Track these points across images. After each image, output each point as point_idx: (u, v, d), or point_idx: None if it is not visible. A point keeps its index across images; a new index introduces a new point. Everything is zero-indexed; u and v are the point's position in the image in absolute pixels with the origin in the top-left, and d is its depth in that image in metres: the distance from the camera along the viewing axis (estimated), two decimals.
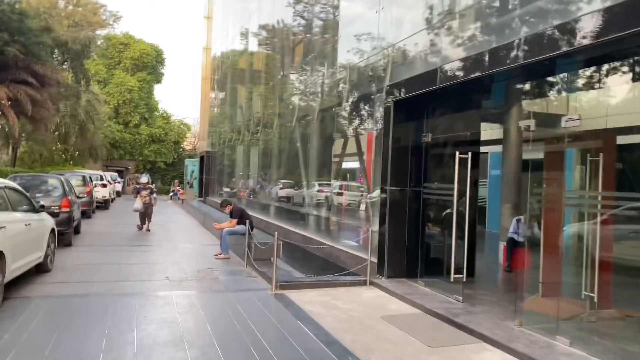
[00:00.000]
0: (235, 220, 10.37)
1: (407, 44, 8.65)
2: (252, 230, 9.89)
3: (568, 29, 5.02)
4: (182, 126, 45.47)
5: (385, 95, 8.55)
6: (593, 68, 5.74)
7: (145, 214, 14.78)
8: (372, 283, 7.98)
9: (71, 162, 34.39)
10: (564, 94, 6.29)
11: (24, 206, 7.54)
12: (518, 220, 9.69)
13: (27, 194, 8.04)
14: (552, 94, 6.57)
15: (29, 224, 7.22)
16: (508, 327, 5.67)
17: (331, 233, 11.96)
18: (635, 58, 5.23)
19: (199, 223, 18.56)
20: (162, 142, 42.06)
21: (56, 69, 22.42)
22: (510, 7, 6.44)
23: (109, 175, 28.53)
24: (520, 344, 5.11)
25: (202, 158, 31.86)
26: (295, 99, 15.85)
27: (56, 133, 30.33)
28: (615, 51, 5.09)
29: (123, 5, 67.91)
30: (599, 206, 5.71)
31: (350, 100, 11.20)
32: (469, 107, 7.88)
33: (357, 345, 5.18)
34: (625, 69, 5.47)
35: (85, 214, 16.38)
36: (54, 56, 24.12)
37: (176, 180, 37.37)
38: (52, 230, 8.59)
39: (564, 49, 5.02)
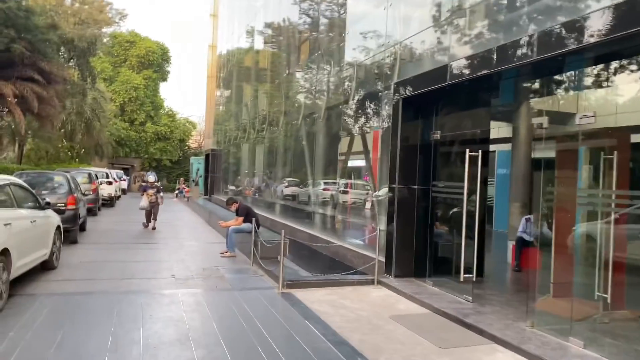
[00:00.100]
0: (241, 219, 10.31)
1: (416, 41, 8.55)
2: (258, 229, 9.82)
3: (582, 25, 4.91)
4: (187, 124, 45.50)
5: (393, 92, 8.46)
6: (608, 65, 5.63)
7: (151, 212, 14.75)
8: (379, 282, 7.89)
9: (77, 159, 34.45)
10: (575, 91, 6.17)
11: (30, 203, 7.49)
12: (527, 220, 9.59)
13: (33, 191, 8.00)
14: (563, 92, 6.46)
15: (35, 221, 7.18)
16: (519, 328, 5.57)
17: (337, 231, 11.88)
18: None
19: (205, 221, 18.52)
20: (167, 140, 42.09)
21: (62, 67, 22.42)
22: (519, 3, 6.34)
23: (114, 172, 28.58)
24: (532, 345, 5.01)
25: (207, 156, 31.85)
26: (301, 97, 15.77)
27: (62, 130, 30.38)
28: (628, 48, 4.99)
29: (129, 3, 68.05)
30: (613, 205, 5.60)
31: (357, 98, 11.11)
32: (478, 105, 7.76)
33: (366, 345, 5.10)
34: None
35: (91, 212, 16.39)
36: (60, 54, 24.12)
37: (182, 178, 37.36)
38: (58, 227, 8.55)
39: (575, 45, 4.91)
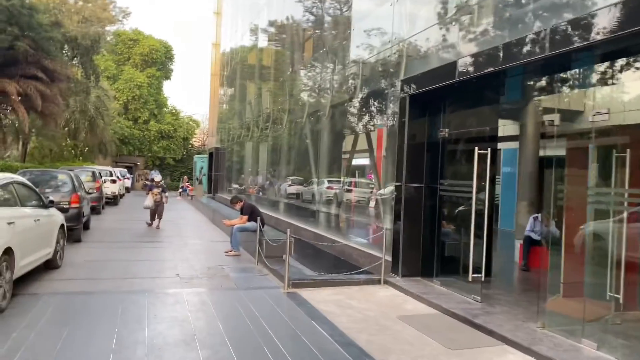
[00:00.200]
0: (246, 217, 10.23)
1: (423, 38, 8.44)
2: (263, 227, 9.74)
3: (592, 21, 4.80)
4: (191, 122, 45.44)
5: (400, 89, 8.35)
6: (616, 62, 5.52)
7: (156, 212, 14.68)
8: (386, 282, 7.80)
9: (81, 157, 34.46)
10: (585, 88, 6.06)
11: (33, 201, 7.43)
12: (535, 218, 9.48)
13: (37, 189, 7.93)
14: (575, 89, 6.34)
15: (38, 220, 7.12)
16: (530, 329, 5.46)
17: (342, 230, 11.79)
18: None
19: (208, 219, 18.46)
20: (171, 138, 42.05)
21: (66, 65, 22.38)
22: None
23: (118, 171, 28.56)
24: (543, 346, 4.91)
25: (211, 154, 31.79)
26: (305, 95, 15.68)
27: (66, 129, 30.38)
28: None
29: (132, 1, 68.00)
30: (625, 204, 5.49)
31: (363, 95, 11.01)
32: (486, 103, 7.67)
33: (374, 346, 5.01)
34: None
35: (94, 210, 16.34)
36: (64, 52, 24.07)
37: (185, 177, 37.34)
38: (62, 226, 8.49)
39: (587, 41, 4.80)
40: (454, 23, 7.65)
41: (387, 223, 9.23)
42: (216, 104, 33.48)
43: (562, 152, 6.21)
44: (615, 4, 4.55)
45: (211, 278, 8.06)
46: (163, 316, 5.81)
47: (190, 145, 45.05)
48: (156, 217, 14.72)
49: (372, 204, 10.95)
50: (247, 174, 23.58)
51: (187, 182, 34.77)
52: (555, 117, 5.45)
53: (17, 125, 23.31)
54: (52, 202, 8.12)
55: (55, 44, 20.42)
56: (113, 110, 36.39)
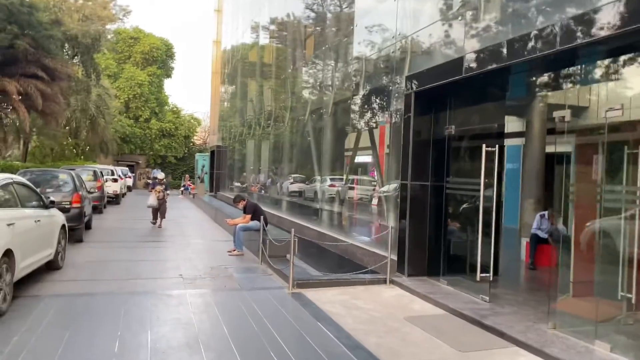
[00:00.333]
0: (249, 216, 10.12)
1: (428, 34, 8.31)
2: (266, 226, 9.63)
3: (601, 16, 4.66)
4: (192, 120, 45.31)
5: (405, 86, 8.22)
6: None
7: (159, 210, 14.57)
8: (392, 281, 7.69)
9: (82, 156, 34.36)
10: (595, 83, 5.92)
11: (34, 202, 7.32)
12: (542, 216, 9.36)
13: (37, 190, 7.83)
14: (581, 85, 6.19)
15: (39, 221, 7.01)
16: (541, 330, 5.35)
17: (345, 228, 11.68)
18: None
19: (211, 218, 18.36)
20: (172, 136, 41.93)
21: (66, 63, 22.24)
22: None
23: (119, 170, 28.47)
24: (556, 348, 4.79)
25: (212, 152, 31.71)
26: (307, 93, 15.55)
27: (67, 128, 30.27)
28: None
29: None
30: (638, 202, 5.36)
31: (366, 92, 10.89)
32: (492, 99, 7.53)
33: (382, 349, 4.90)
34: None
35: (96, 209, 16.25)
36: (64, 50, 23.94)
37: (187, 175, 37.25)
38: (63, 226, 8.38)
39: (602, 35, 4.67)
40: (459, 18, 7.51)
41: (391, 221, 9.11)
42: (217, 102, 33.38)
43: (565, 148, 6.09)
44: None
45: (214, 278, 7.96)
46: (166, 318, 5.70)
47: (191, 144, 44.92)
48: (159, 215, 14.61)
49: (375, 201, 10.85)
50: (249, 172, 23.48)
51: (189, 180, 34.67)
52: (566, 113, 5.32)
53: (17, 124, 23.20)
54: (52, 202, 8.01)
55: (55, 42, 20.27)
56: (114, 108, 36.24)
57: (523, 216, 11.24)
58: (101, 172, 19.52)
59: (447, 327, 5.72)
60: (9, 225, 5.86)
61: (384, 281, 7.72)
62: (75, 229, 10.75)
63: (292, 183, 16.62)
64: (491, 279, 6.78)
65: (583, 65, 6.05)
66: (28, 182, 7.60)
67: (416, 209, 7.92)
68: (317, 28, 15.08)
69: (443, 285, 7.40)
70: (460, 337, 5.35)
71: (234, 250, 10.16)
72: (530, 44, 5.63)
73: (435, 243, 7.90)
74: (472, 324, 5.76)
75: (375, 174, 11.02)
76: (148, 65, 41.31)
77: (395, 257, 8.06)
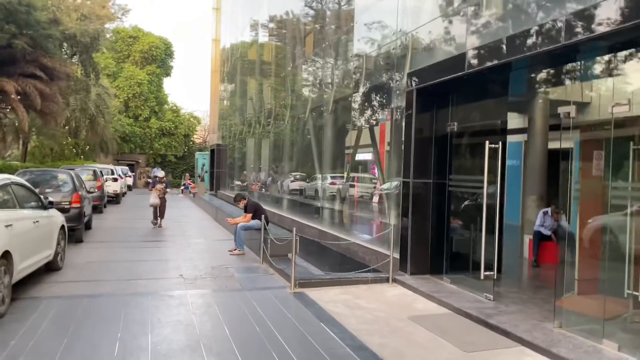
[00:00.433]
0: (249, 215, 10.04)
1: (430, 30, 8.22)
2: (267, 225, 9.56)
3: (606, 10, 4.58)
4: (192, 119, 45.17)
5: (406, 83, 8.13)
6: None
7: (160, 209, 14.48)
8: (395, 280, 7.61)
9: (82, 156, 34.27)
10: (604, 79, 5.83)
11: (32, 203, 7.24)
12: (545, 213, 9.29)
13: (35, 190, 7.76)
14: (590, 80, 6.11)
15: (37, 221, 6.93)
16: (547, 329, 5.27)
17: (346, 227, 11.61)
18: None
19: (211, 217, 18.29)
20: (172, 135, 41.83)
21: (65, 62, 22.11)
22: None
23: (120, 169, 28.39)
24: (563, 348, 4.72)
25: (212, 151, 31.61)
26: (307, 91, 15.47)
27: (66, 127, 30.17)
28: None
29: None
30: None
31: (365, 90, 10.81)
32: (495, 95, 7.44)
33: (386, 350, 4.83)
34: None
35: (96, 209, 16.18)
36: (63, 49, 23.81)
37: (187, 174, 37.17)
38: (62, 227, 8.31)
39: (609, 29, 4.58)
40: (461, 14, 7.42)
41: (392, 218, 9.04)
42: (217, 101, 33.27)
43: (576, 144, 6.01)
44: None
45: (215, 278, 7.89)
46: (167, 320, 5.63)
47: (191, 142, 44.81)
48: (159, 214, 14.53)
49: (376, 199, 10.78)
50: (249, 171, 23.41)
51: (189, 179, 34.58)
52: (572, 109, 5.23)
53: (16, 124, 23.08)
54: (51, 202, 7.93)
55: (53, 41, 20.13)
56: (114, 108, 36.12)
57: (525, 213, 11.15)
58: (101, 172, 19.44)
59: (452, 326, 5.64)
60: (6, 226, 5.79)
61: (387, 280, 7.65)
62: (75, 229, 10.70)
63: (292, 181, 16.56)
64: (495, 277, 6.71)
65: (588, 61, 5.96)
66: (26, 183, 7.53)
67: (418, 207, 7.85)
68: (317, 25, 14.99)
69: (446, 284, 7.33)
70: (465, 336, 5.28)
71: (235, 250, 10.09)
72: (533, 39, 5.54)
73: (438, 241, 7.82)
74: (477, 323, 5.69)
75: (376, 171, 10.95)
76: (147, 64, 41.18)
77: (397, 256, 7.99)
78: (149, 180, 33.22)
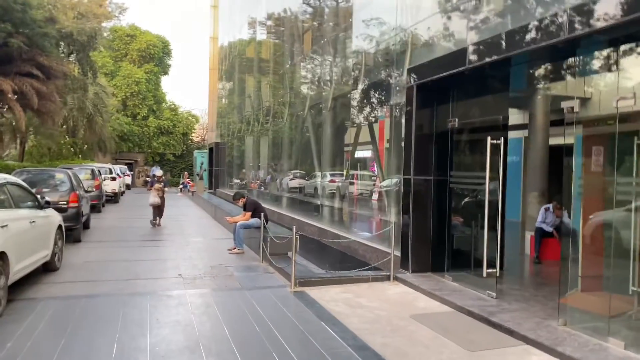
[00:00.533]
0: (249, 214, 9.96)
1: (429, 25, 8.12)
2: (266, 224, 9.48)
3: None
4: (190, 118, 45.04)
5: (407, 78, 8.05)
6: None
7: (159, 208, 14.39)
8: (396, 278, 7.54)
9: (80, 155, 34.10)
10: (598, 74, 5.75)
11: (28, 202, 7.15)
12: (546, 209, 9.21)
13: (32, 190, 7.66)
14: (594, 74, 6.02)
15: (34, 222, 6.84)
16: (551, 327, 5.20)
17: (346, 224, 11.53)
18: None
19: (210, 216, 18.20)
20: (170, 134, 41.71)
21: (62, 61, 21.96)
22: None
23: (118, 168, 28.28)
24: (568, 347, 4.64)
25: (211, 149, 31.51)
26: (306, 88, 15.37)
27: (64, 126, 30.01)
28: None
29: None
30: None
31: (365, 87, 10.72)
32: (496, 91, 7.37)
33: (389, 350, 4.75)
34: None
35: (94, 208, 16.08)
36: (60, 48, 23.64)
37: (186, 172, 37.05)
38: (59, 226, 8.22)
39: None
40: (462, 8, 7.33)
41: (393, 216, 8.97)
42: (215, 99, 33.14)
43: (579, 139, 5.92)
44: None
45: (215, 278, 7.81)
46: (166, 320, 5.55)
47: (189, 141, 44.70)
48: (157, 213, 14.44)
49: (375, 196, 10.70)
50: (248, 169, 23.31)
51: (188, 177, 34.47)
52: (575, 103, 5.15)
53: (13, 124, 22.95)
54: (48, 202, 7.84)
55: (50, 40, 19.95)
56: (111, 106, 35.95)
57: (526, 209, 11.09)
58: (99, 171, 19.33)
59: (454, 325, 5.57)
60: (2, 227, 5.69)
61: (388, 278, 7.58)
62: (73, 229, 10.61)
63: (292, 179, 16.48)
64: (497, 274, 6.64)
65: (588, 55, 5.88)
66: (22, 183, 7.44)
67: (419, 204, 7.77)
68: (315, 23, 14.88)
69: (448, 282, 7.26)
70: (468, 335, 5.21)
71: (234, 249, 10.01)
72: (534, 33, 5.46)
73: (439, 238, 7.74)
74: (480, 322, 5.62)
75: (376, 168, 10.87)
76: (145, 63, 41.04)
77: (398, 253, 7.92)
78: (148, 179, 33.10)
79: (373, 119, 10.80)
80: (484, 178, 6.48)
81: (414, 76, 7.78)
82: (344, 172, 12.26)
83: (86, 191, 13.81)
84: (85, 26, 22.89)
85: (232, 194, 12.32)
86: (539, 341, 4.80)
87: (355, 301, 6.47)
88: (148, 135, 40.53)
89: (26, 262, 6.43)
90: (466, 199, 7.53)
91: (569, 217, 8.56)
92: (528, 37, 5.57)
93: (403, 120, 8.20)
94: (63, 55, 24.19)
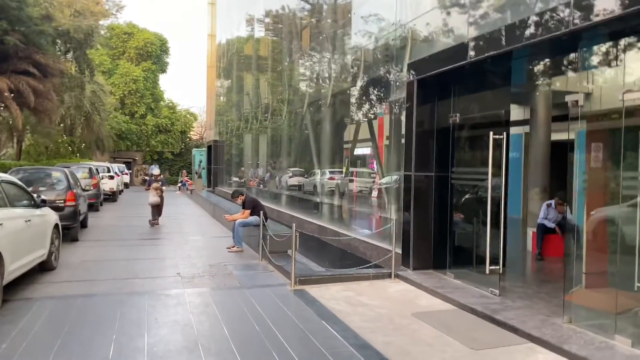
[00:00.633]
0: (248, 211, 9.86)
1: (430, 19, 8.02)
2: (266, 221, 9.38)
3: None
4: (188, 116, 44.90)
5: (407, 73, 7.95)
6: None
7: (158, 208, 14.28)
8: (397, 275, 7.45)
9: (78, 154, 33.96)
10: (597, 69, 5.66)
11: (24, 201, 7.05)
12: (548, 205, 9.13)
13: (27, 189, 7.56)
14: (597, 68, 5.93)
15: (30, 221, 6.73)
16: (556, 325, 5.12)
17: (346, 222, 11.45)
18: None
19: (209, 214, 18.10)
20: (168, 132, 41.57)
21: (59, 59, 21.80)
22: None
23: (116, 166, 28.14)
24: (574, 344, 4.56)
25: (209, 147, 31.40)
26: (304, 85, 15.27)
27: (61, 125, 29.83)
28: None
29: None
30: None
31: (365, 83, 10.62)
32: (498, 86, 7.27)
33: (391, 349, 4.67)
34: None
35: (92, 207, 15.97)
36: (56, 46, 23.48)
37: (184, 171, 36.92)
38: (56, 225, 8.12)
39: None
40: (461, 1, 7.23)
41: (393, 213, 8.88)
42: (213, 97, 33.05)
43: (582, 135, 5.83)
44: None
45: (214, 276, 7.71)
46: (164, 320, 5.46)
47: (188, 139, 44.57)
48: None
49: (375, 193, 10.62)
50: (247, 167, 23.22)
51: (187, 176, 34.36)
52: (580, 97, 5.06)
53: (10, 122, 22.81)
54: (44, 201, 7.73)
55: (46, 38, 19.81)
56: (109, 105, 35.78)
57: (527, 206, 11.01)
58: (97, 170, 19.21)
59: (457, 323, 5.48)
60: None
61: (389, 275, 7.49)
62: (70, 228, 10.51)
63: (291, 177, 16.39)
64: (500, 271, 6.55)
65: (590, 49, 5.78)
66: (17, 181, 7.34)
67: (420, 201, 7.68)
68: (313, 19, 14.77)
69: (450, 279, 7.17)
70: (471, 333, 5.12)
71: (233, 247, 9.92)
72: (534, 28, 5.36)
73: (441, 235, 7.66)
74: (483, 320, 5.53)
75: (375, 165, 10.79)
76: (142, 61, 40.87)
77: (399, 251, 7.84)
78: (146, 177, 32.96)
79: (372, 116, 10.71)
80: (486, 174, 6.39)
81: (414, 71, 7.69)
82: (344, 170, 12.17)
83: (84, 190, 13.71)
84: (82, 24, 22.75)
85: (231, 192, 12.22)
86: (544, 339, 4.72)
87: (356, 299, 6.39)
88: (146, 134, 40.39)
89: (22, 261, 6.33)
90: (468, 195, 7.44)
91: (571, 212, 8.51)
92: (526, 32, 5.47)
93: (403, 117, 8.10)
94: (60, 53, 24.03)
